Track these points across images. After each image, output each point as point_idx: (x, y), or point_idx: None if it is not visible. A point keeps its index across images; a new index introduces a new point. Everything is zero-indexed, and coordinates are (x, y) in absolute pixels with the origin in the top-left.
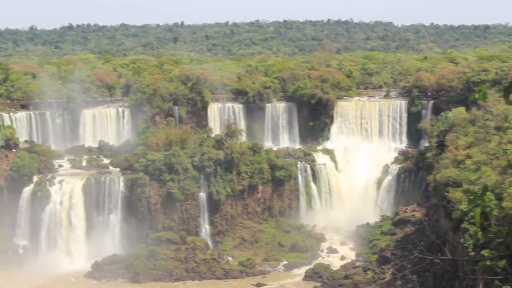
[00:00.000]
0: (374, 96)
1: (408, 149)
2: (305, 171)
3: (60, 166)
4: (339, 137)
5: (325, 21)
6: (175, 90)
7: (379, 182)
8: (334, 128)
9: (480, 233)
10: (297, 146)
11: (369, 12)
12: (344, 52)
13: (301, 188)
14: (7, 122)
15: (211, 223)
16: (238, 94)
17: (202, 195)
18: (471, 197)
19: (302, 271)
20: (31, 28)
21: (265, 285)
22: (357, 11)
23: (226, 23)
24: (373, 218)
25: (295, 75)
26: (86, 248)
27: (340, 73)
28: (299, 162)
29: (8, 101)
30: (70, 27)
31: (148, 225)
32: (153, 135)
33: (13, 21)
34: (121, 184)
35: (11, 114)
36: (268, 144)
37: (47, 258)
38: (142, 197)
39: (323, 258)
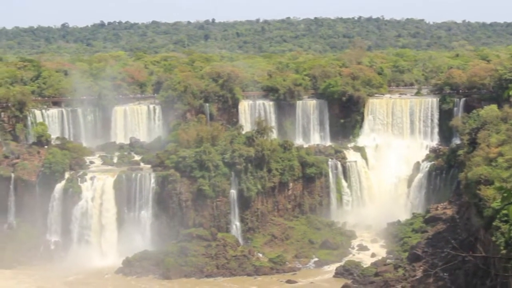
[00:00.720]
0: (405, 94)
1: (440, 147)
2: (336, 168)
3: (91, 162)
4: (370, 134)
5: (356, 18)
6: (206, 87)
7: (410, 180)
8: (365, 125)
9: None
10: (328, 143)
11: (400, 10)
12: (375, 50)
13: (332, 185)
14: (39, 119)
15: (242, 220)
16: (269, 91)
17: (233, 192)
18: (505, 195)
19: (332, 268)
20: (63, 25)
21: (295, 282)
22: (388, 9)
23: (257, 20)
24: (404, 215)
25: (326, 72)
26: (117, 244)
27: (371, 71)
28: (330, 159)
29: (40, 98)
30: (102, 24)
31: (178, 222)
32: (184, 132)
33: (45, 19)
34: (152, 180)
35: (43, 111)
36: (299, 141)
37: (78, 254)
38: (173, 194)
39: (353, 255)
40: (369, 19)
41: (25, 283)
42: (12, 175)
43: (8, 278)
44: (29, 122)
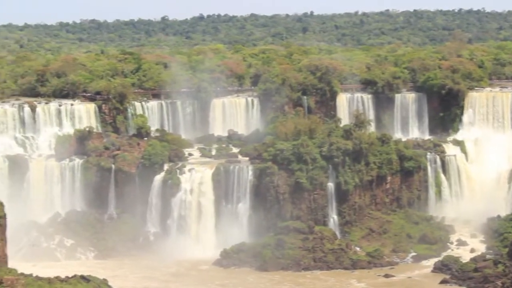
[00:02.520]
0: (506, 87)
1: None
2: (435, 162)
3: (190, 154)
4: (470, 128)
5: (456, 10)
6: (304, 80)
7: (511, 174)
8: (464, 119)
9: None
10: (427, 136)
11: (502, 1)
12: (475, 42)
13: (431, 179)
14: (139, 111)
15: (339, 213)
16: (367, 84)
17: (330, 185)
18: None
19: (430, 263)
20: (163, 18)
21: (393, 276)
22: (489, 0)
23: (356, 13)
24: (504, 210)
25: (425, 65)
26: (214, 236)
27: (472, 64)
28: (428, 153)
29: (141, 90)
30: (201, 17)
31: (276, 214)
32: (282, 124)
33: (146, 12)
34: (250, 173)
35: (143, 103)
36: (397, 134)
37: (177, 245)
38: (270, 186)
39: (452, 250)
40: (469, 11)
41: (132, 273)
42: (113, 166)
43: (112, 268)
44: (129, 114)
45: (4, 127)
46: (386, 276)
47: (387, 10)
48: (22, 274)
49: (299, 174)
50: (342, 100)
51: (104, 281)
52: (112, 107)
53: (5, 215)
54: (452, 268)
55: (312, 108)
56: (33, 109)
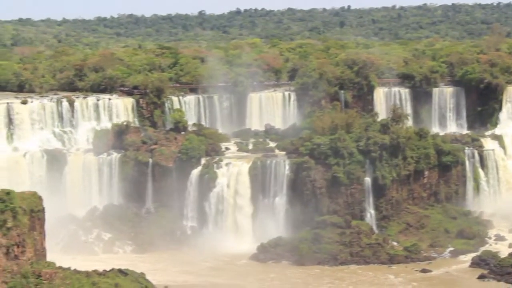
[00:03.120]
0: None
1: None
2: (473, 156)
3: (227, 149)
4: (508, 122)
5: (495, 4)
6: (341, 74)
7: None
8: (503, 113)
9: None
10: (465, 131)
11: None
12: None
13: (469, 174)
14: (176, 105)
15: (376, 208)
16: (405, 79)
17: (367, 179)
18: None
19: (468, 258)
20: (200, 13)
21: (430, 271)
22: None
23: (393, 7)
24: None
25: (463, 59)
26: (251, 230)
27: (511, 57)
28: (466, 148)
29: (178, 85)
30: (238, 12)
31: (313, 209)
32: (319, 119)
33: (183, 7)
34: (287, 167)
35: (180, 97)
36: (435, 129)
37: (214, 239)
38: (307, 181)
39: (490, 245)
40: (508, 5)
41: (171, 267)
42: (150, 160)
43: (151, 262)
44: (167, 109)
45: (42, 121)
46: (424, 271)
47: (425, 4)
48: (60, 267)
49: (336, 168)
50: (379, 95)
51: (142, 275)
52: (150, 102)
53: (43, 209)
54: (490, 263)
55: (349, 103)
56: (71, 103)
